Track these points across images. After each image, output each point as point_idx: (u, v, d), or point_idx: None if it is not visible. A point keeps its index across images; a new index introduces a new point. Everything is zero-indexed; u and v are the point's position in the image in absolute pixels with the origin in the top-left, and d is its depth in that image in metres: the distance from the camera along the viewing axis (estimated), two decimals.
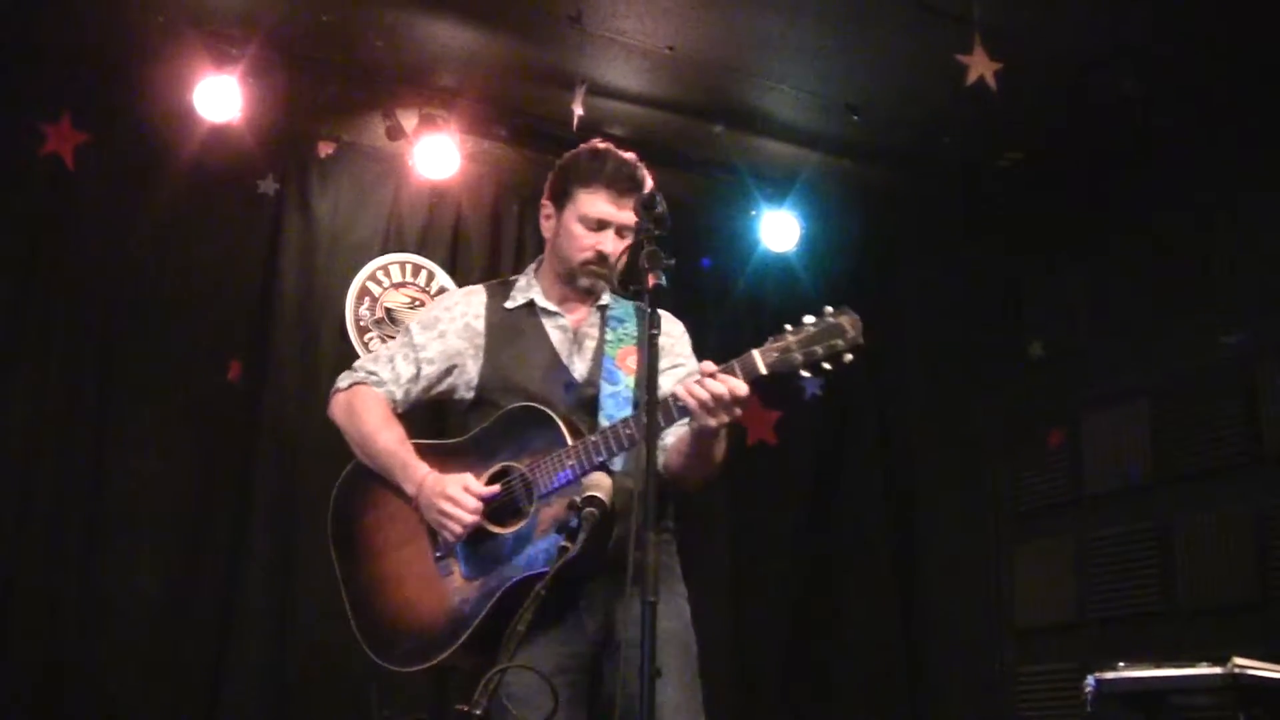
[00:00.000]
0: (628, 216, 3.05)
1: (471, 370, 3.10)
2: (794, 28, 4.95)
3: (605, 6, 4.83)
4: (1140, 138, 5.42)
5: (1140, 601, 5.27)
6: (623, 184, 3.07)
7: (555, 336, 3.10)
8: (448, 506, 2.88)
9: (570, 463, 2.80)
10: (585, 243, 3.06)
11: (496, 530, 2.90)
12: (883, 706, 6.11)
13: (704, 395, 2.65)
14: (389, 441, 3.04)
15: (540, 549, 2.80)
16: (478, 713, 2.22)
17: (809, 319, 2.68)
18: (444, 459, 3.01)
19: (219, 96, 5.03)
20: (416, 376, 3.12)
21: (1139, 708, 3.77)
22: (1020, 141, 5.69)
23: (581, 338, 3.11)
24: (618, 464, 2.84)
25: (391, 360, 3.15)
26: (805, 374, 2.68)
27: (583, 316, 3.14)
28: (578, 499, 2.60)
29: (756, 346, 2.69)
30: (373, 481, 3.09)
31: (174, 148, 5.21)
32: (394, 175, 5.69)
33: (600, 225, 3.06)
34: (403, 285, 5.64)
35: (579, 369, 3.05)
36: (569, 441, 2.83)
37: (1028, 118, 5.40)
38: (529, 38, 5.11)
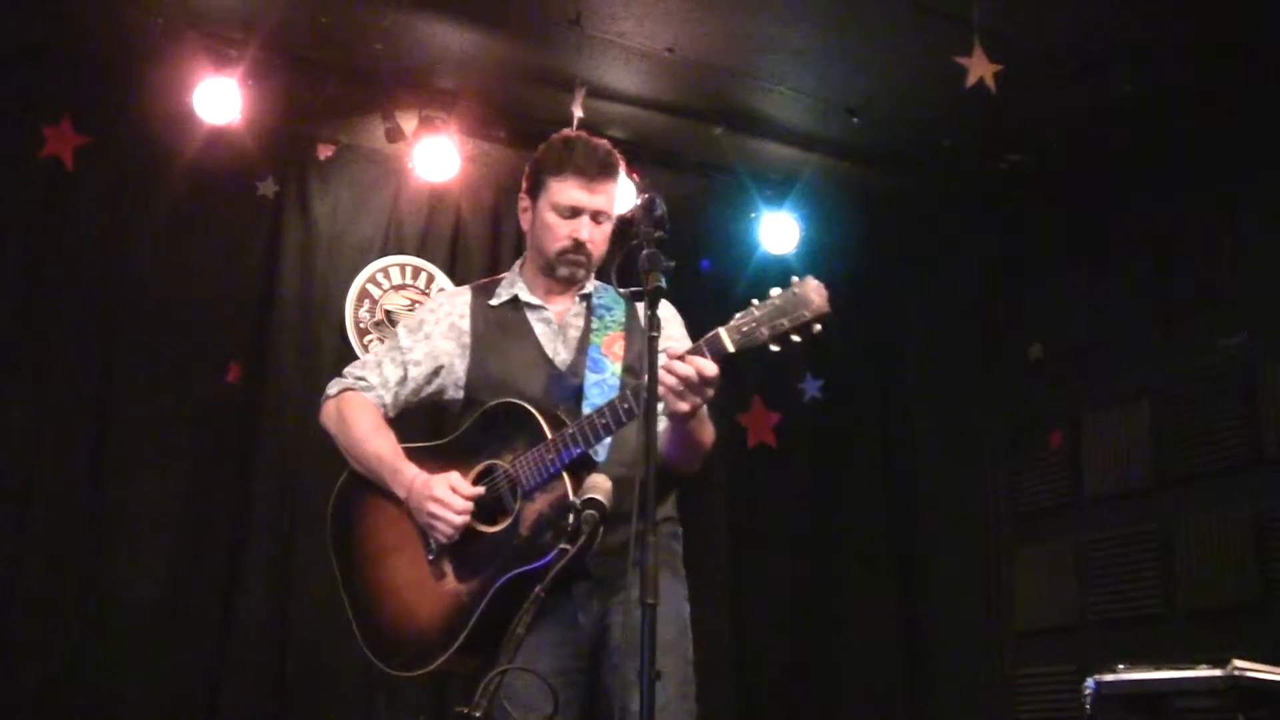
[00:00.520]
0: (601, 201, 3.06)
1: (459, 370, 3.11)
2: (793, 30, 4.95)
3: (605, 8, 4.83)
4: (1140, 138, 5.42)
5: (1140, 603, 5.26)
6: (593, 170, 3.06)
7: (539, 329, 3.10)
8: (436, 508, 2.88)
9: (550, 456, 2.80)
10: (560, 232, 3.07)
11: (485, 529, 2.91)
12: (883, 707, 6.11)
13: (671, 380, 2.64)
14: (379, 447, 3.05)
15: (528, 545, 2.80)
16: (477, 715, 2.22)
17: (775, 291, 2.66)
18: (432, 460, 3.02)
19: (218, 98, 5.03)
20: (404, 380, 3.13)
21: (1139, 710, 3.76)
22: (1020, 143, 5.69)
23: (566, 328, 3.11)
24: (601, 453, 2.84)
25: (379, 365, 3.16)
26: (774, 348, 2.63)
27: (566, 307, 3.14)
28: (578, 501, 2.59)
29: (722, 324, 2.67)
30: (366, 488, 3.10)
31: (173, 150, 5.21)
32: (393, 177, 5.69)
33: (574, 212, 3.06)
34: (402, 287, 5.64)
35: (564, 360, 3.05)
36: (548, 435, 2.83)
37: (1027, 119, 5.40)
38: (528, 40, 5.11)
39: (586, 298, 3.16)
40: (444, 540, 2.91)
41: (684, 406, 2.67)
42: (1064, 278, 5.92)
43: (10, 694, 4.62)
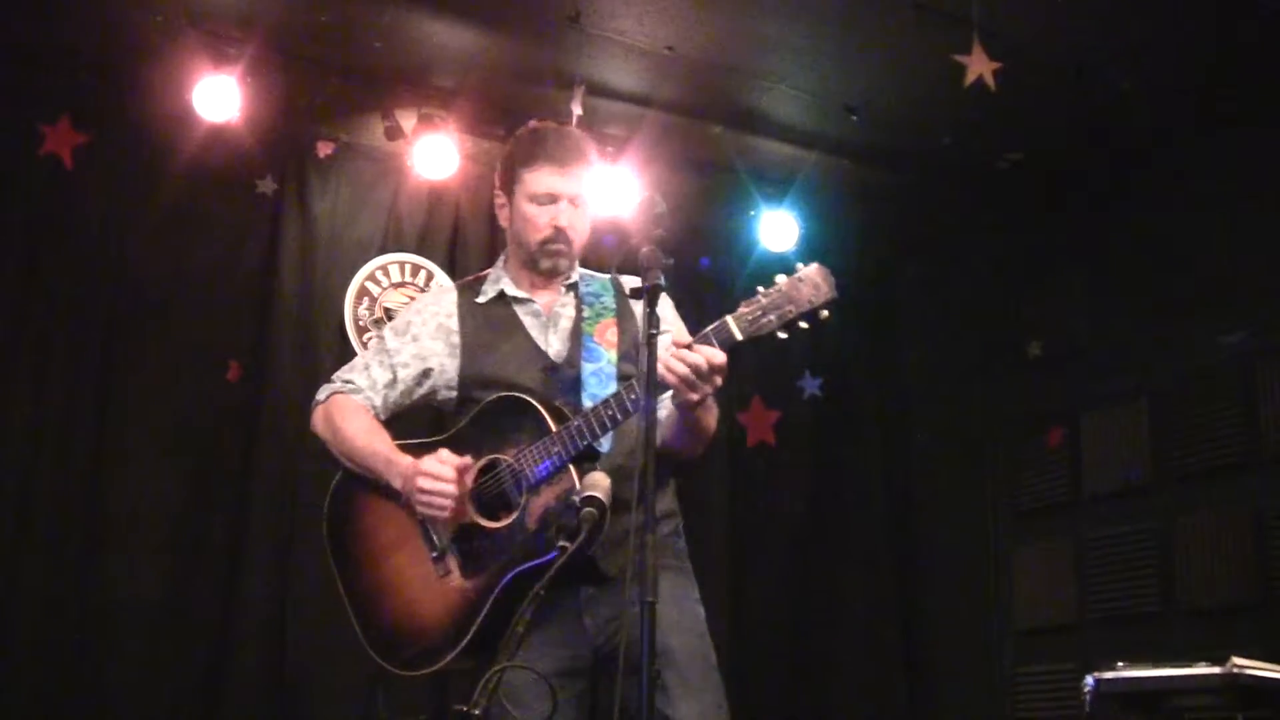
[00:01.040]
0: (576, 186, 3.04)
1: (450, 371, 3.07)
2: (793, 28, 4.95)
3: (604, 6, 4.83)
4: (1140, 138, 5.42)
5: (1139, 601, 5.27)
6: (565, 155, 3.05)
7: (529, 322, 3.07)
8: (427, 483, 2.82)
9: (556, 450, 2.77)
10: (540, 221, 3.04)
11: (489, 525, 2.87)
12: (883, 706, 6.11)
13: (681, 369, 2.62)
14: (371, 442, 3.00)
15: (534, 541, 2.78)
16: (476, 713, 2.22)
17: (781, 278, 2.66)
18: (428, 456, 2.96)
19: (218, 96, 5.03)
20: (393, 382, 3.10)
21: (1138, 708, 3.76)
22: (1020, 142, 5.69)
23: (556, 318, 3.07)
24: (605, 445, 2.82)
25: (367, 368, 3.13)
26: (782, 335, 2.63)
27: (554, 298, 3.11)
28: (577, 499, 2.59)
29: (730, 312, 2.67)
30: (361, 488, 3.06)
31: (173, 148, 5.21)
32: (393, 175, 5.69)
33: (550, 199, 3.04)
34: (402, 285, 5.64)
35: (556, 350, 3.01)
36: (552, 428, 2.80)
37: (1027, 118, 5.40)
38: (528, 38, 5.11)
39: (573, 286, 3.13)
40: (443, 516, 2.85)
41: (693, 396, 2.65)
42: (1063, 276, 5.93)
43: (10, 694, 4.62)
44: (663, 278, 2.53)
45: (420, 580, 2.94)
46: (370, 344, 3.23)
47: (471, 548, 2.88)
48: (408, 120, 5.50)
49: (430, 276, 5.70)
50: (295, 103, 5.40)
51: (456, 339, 3.09)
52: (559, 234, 3.03)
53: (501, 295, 3.12)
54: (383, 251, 5.63)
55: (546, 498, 2.79)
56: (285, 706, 5.00)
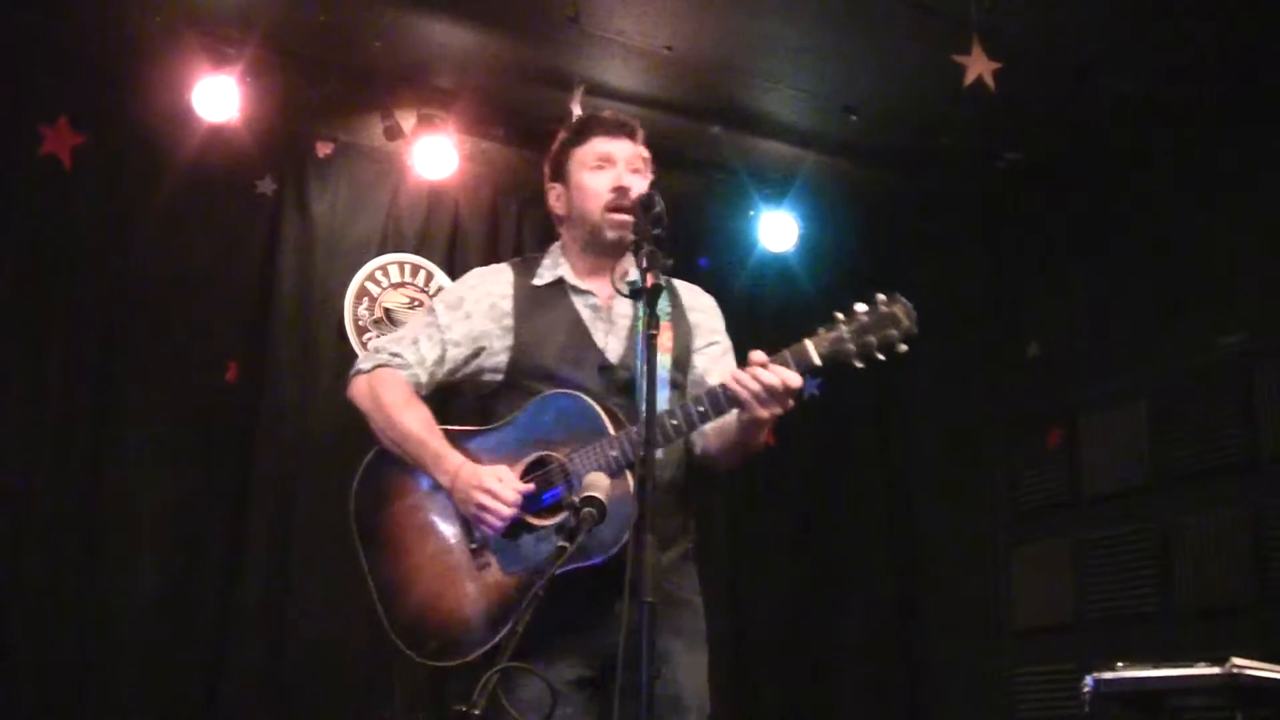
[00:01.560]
0: (631, 151, 2.99)
1: (499, 352, 2.97)
2: (792, 28, 4.95)
3: (603, 7, 4.83)
4: (1139, 138, 5.42)
5: (1138, 602, 5.27)
6: (614, 126, 3.02)
7: (586, 315, 2.98)
8: (486, 500, 2.75)
9: (614, 454, 2.70)
10: (600, 185, 2.96)
11: (536, 522, 2.80)
12: (883, 706, 6.11)
13: (755, 387, 2.59)
14: (417, 428, 2.91)
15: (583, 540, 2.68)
16: (476, 713, 2.22)
17: (861, 307, 2.62)
18: (475, 446, 2.90)
19: (217, 97, 5.03)
20: (441, 359, 2.99)
21: (1137, 708, 3.77)
22: (1018, 142, 5.70)
23: (614, 316, 2.99)
24: (659, 454, 2.74)
25: (415, 342, 3.01)
26: (859, 365, 2.61)
27: (611, 294, 3.00)
28: (576, 499, 2.58)
29: (809, 336, 2.63)
30: (396, 469, 2.96)
31: (172, 148, 5.21)
32: (392, 175, 5.69)
33: (607, 160, 2.98)
34: (401, 285, 5.64)
35: (613, 350, 2.94)
36: (610, 430, 2.73)
37: (1026, 118, 5.40)
38: (527, 38, 5.11)
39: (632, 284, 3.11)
40: (492, 533, 2.79)
41: (763, 414, 2.63)
42: (1062, 276, 5.93)
43: (10, 694, 4.61)
44: (663, 278, 2.54)
45: (455, 570, 2.85)
46: (418, 315, 3.10)
47: (515, 543, 2.80)
48: (407, 120, 5.50)
49: (430, 276, 5.70)
50: (294, 103, 5.40)
51: (510, 321, 2.98)
52: (622, 193, 2.91)
53: (560, 282, 3.02)
54: (382, 252, 5.63)
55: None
56: (285, 706, 5.00)
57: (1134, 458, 5.42)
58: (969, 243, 6.23)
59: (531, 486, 2.80)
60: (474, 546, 2.85)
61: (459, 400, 3.34)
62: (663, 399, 2.76)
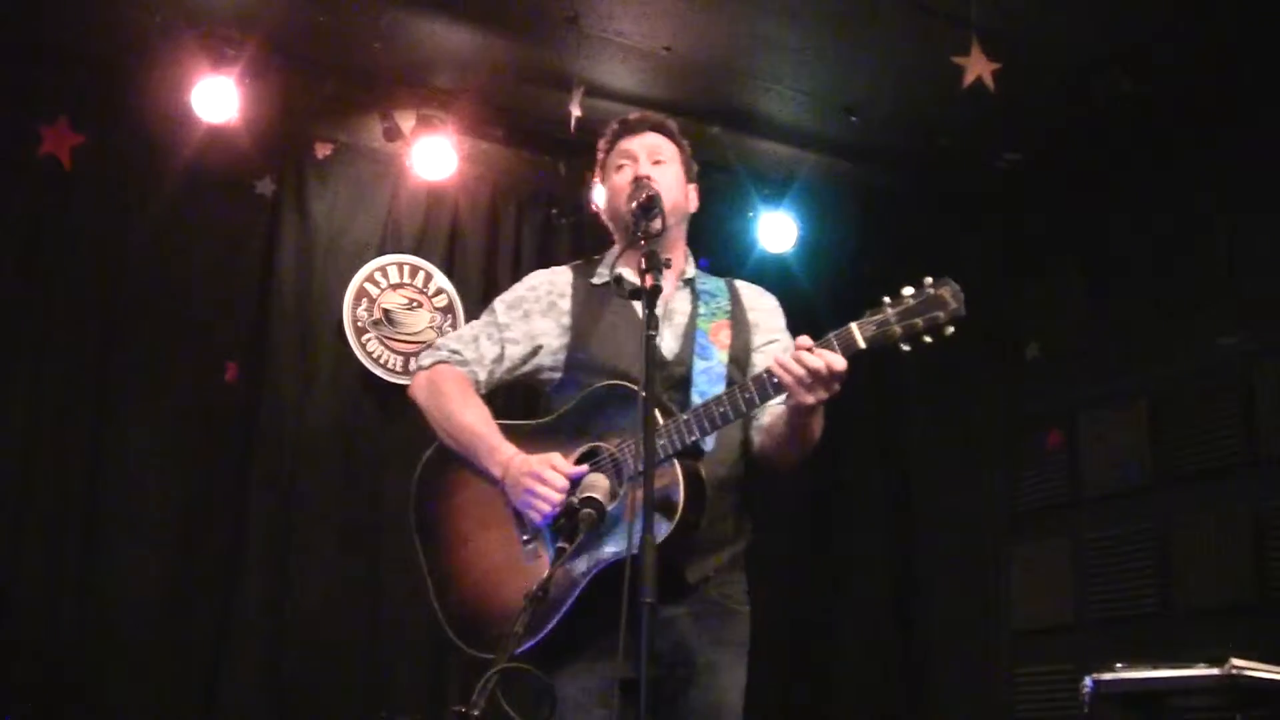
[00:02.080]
0: (653, 142, 3.04)
1: (557, 351, 3.01)
2: (791, 29, 4.95)
3: (602, 7, 4.83)
4: (1139, 138, 5.42)
5: (1138, 602, 5.26)
6: (637, 122, 3.07)
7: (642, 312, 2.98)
8: (536, 486, 2.76)
9: (662, 442, 2.68)
10: (623, 181, 3.00)
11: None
12: (882, 706, 6.11)
13: (799, 371, 2.57)
14: (473, 422, 2.93)
15: (632, 531, 2.65)
16: (475, 714, 2.21)
17: (908, 290, 2.62)
18: (529, 440, 2.91)
19: (216, 97, 5.03)
20: (500, 357, 3.02)
21: (1137, 709, 3.77)
22: (1018, 142, 5.69)
23: (670, 313, 3.00)
24: (709, 444, 2.77)
25: (475, 340, 3.05)
26: (905, 347, 2.59)
27: (670, 291, 3.02)
28: (575, 500, 2.58)
29: (856, 320, 2.62)
30: (456, 464, 2.98)
31: (171, 149, 5.21)
32: (391, 176, 5.69)
33: (629, 157, 3.03)
34: (400, 286, 5.64)
35: (669, 345, 2.94)
36: (660, 421, 2.71)
37: (1026, 119, 5.40)
38: (526, 39, 5.11)
39: (690, 282, 3.08)
40: (539, 520, 2.79)
41: (809, 399, 2.61)
42: (1062, 277, 5.92)
43: (10, 693, 4.61)
44: (661, 278, 2.53)
45: (507, 564, 2.86)
46: (482, 315, 3.13)
47: (563, 535, 2.75)
48: (406, 121, 5.50)
49: (429, 277, 5.69)
50: (294, 104, 5.40)
51: (568, 320, 3.02)
52: (638, 184, 2.92)
53: (619, 280, 2.98)
54: (381, 252, 5.63)
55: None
56: (284, 706, 5.00)
57: (1134, 458, 5.42)
58: (968, 243, 6.22)
59: (585, 469, 2.78)
60: (525, 539, 2.85)
61: (521, 397, 3.35)
62: (716, 392, 2.76)
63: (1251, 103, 5.08)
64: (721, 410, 2.69)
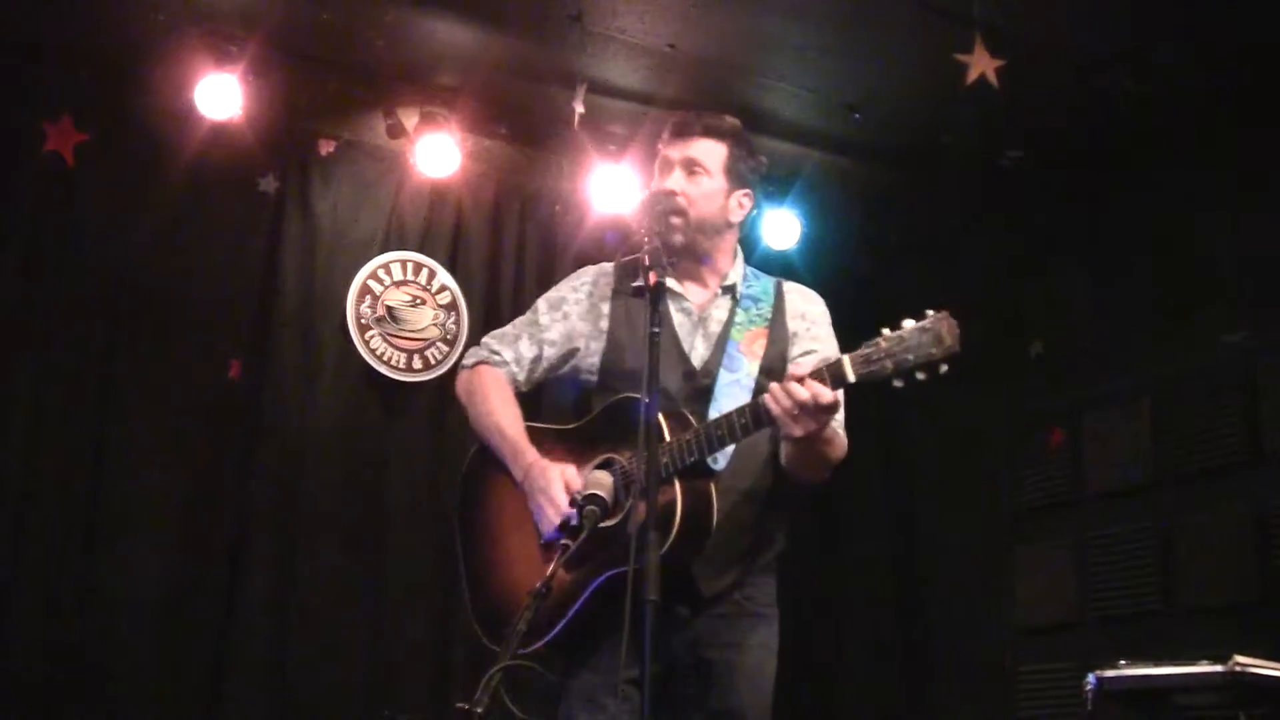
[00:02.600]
0: (689, 151, 2.99)
1: (593, 354, 3.02)
2: (795, 26, 4.95)
3: (606, 5, 4.83)
4: (1141, 137, 5.42)
5: (1141, 600, 5.26)
6: (678, 126, 3.03)
7: (678, 320, 2.98)
8: (543, 500, 2.80)
9: (664, 460, 2.68)
10: (655, 190, 2.99)
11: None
12: (885, 704, 6.11)
13: (788, 403, 2.56)
14: (503, 424, 2.97)
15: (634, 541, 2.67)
16: (479, 711, 2.22)
17: (907, 323, 2.59)
18: (554, 444, 2.94)
19: (219, 95, 5.04)
20: (539, 358, 3.05)
21: (1140, 706, 3.76)
22: (1021, 140, 5.69)
23: (706, 320, 3.00)
24: (720, 462, 2.77)
25: (516, 340, 3.08)
26: (897, 383, 2.58)
27: (709, 297, 3.03)
28: (578, 496, 2.59)
29: (849, 351, 2.61)
30: (493, 463, 3.01)
31: (174, 146, 5.21)
32: (395, 173, 5.69)
33: (666, 166, 3.01)
34: (404, 283, 5.64)
35: (700, 354, 2.95)
36: (667, 438, 2.73)
37: (1029, 116, 5.39)
38: (530, 36, 5.10)
39: (731, 289, 3.06)
40: (547, 534, 2.82)
41: (797, 431, 2.59)
42: (1065, 275, 5.92)
43: (10, 693, 4.62)
44: (666, 277, 2.53)
45: (528, 564, 2.88)
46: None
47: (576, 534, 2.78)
48: (409, 118, 5.51)
49: (432, 275, 5.70)
50: (297, 101, 5.41)
51: (605, 323, 3.03)
52: (661, 196, 2.92)
53: (659, 285, 3.03)
54: (384, 250, 5.63)
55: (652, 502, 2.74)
56: (287, 705, 5.00)
57: (1136, 456, 5.42)
58: (972, 241, 6.22)
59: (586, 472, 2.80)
60: (542, 542, 2.87)
61: (567, 398, 3.38)
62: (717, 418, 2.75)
63: (1252, 101, 5.07)
64: (719, 433, 2.69)
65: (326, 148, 5.62)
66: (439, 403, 5.46)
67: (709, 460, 2.73)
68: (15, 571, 4.72)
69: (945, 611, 6.14)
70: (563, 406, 3.36)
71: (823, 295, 3.18)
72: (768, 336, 2.98)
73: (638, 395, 2.77)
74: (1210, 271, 5.29)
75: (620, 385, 2.92)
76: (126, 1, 4.89)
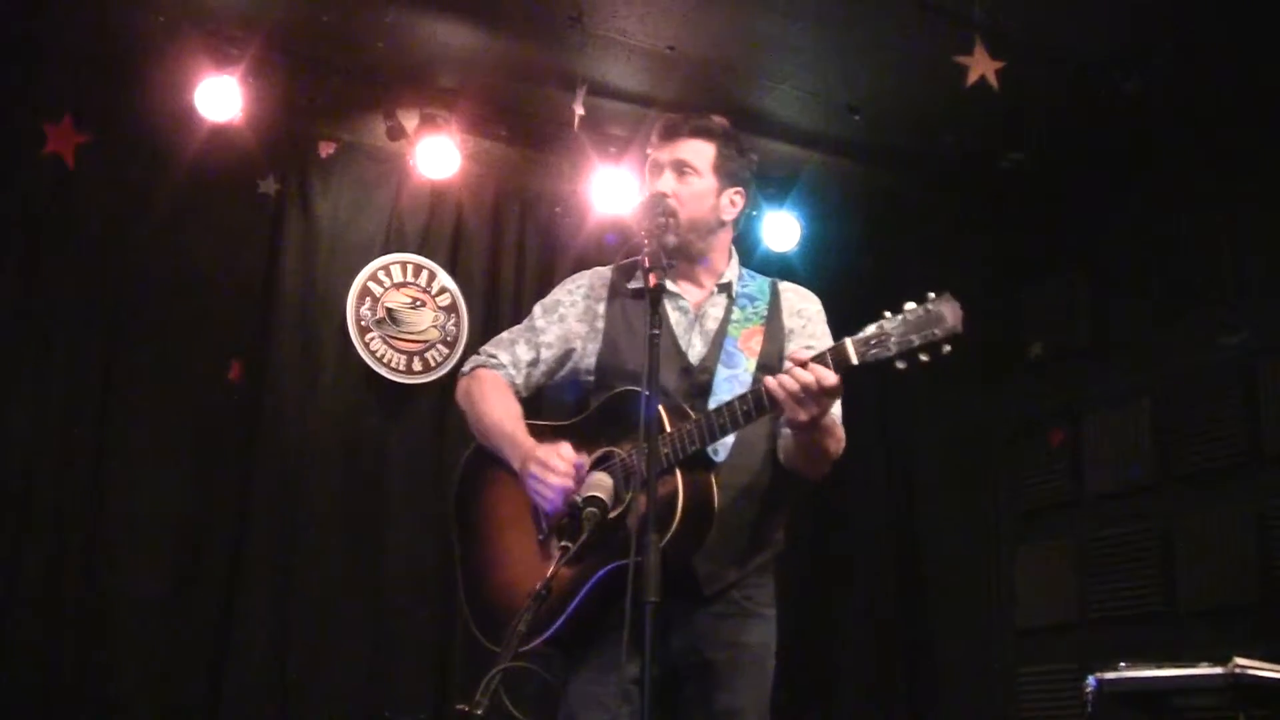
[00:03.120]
0: (677, 153, 3.00)
1: (590, 354, 3.03)
2: (794, 28, 4.95)
3: (606, 6, 4.83)
4: (1141, 138, 5.42)
5: (1141, 601, 5.27)
6: (666, 127, 3.04)
7: (674, 318, 2.99)
8: (538, 471, 2.79)
9: (665, 451, 2.68)
10: (648, 191, 3.01)
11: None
12: (883, 706, 6.11)
13: (793, 386, 2.55)
14: (500, 419, 2.96)
15: (633, 538, 2.62)
16: (478, 713, 2.22)
17: (909, 306, 2.56)
18: (553, 440, 2.92)
19: (220, 96, 5.04)
20: (535, 361, 3.06)
21: (1140, 708, 3.77)
22: (1021, 141, 5.69)
23: (703, 318, 3.00)
24: (721, 454, 2.78)
25: (513, 344, 3.09)
26: (900, 365, 2.54)
27: (704, 296, 3.04)
28: (578, 499, 2.59)
29: (851, 335, 2.58)
30: (490, 463, 3.01)
31: (175, 148, 5.21)
32: (395, 175, 5.69)
33: (656, 169, 3.01)
34: (404, 285, 5.64)
35: (697, 351, 2.96)
36: (667, 428, 2.72)
37: (1029, 118, 5.40)
38: (530, 38, 5.11)
39: (726, 287, 3.06)
40: (547, 507, 2.80)
41: (801, 415, 2.58)
42: (1065, 276, 5.93)
43: (11, 694, 4.62)
44: (667, 278, 2.53)
45: (525, 561, 2.88)
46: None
47: (576, 536, 2.76)
48: (409, 120, 5.51)
49: (432, 276, 5.70)
50: (297, 103, 5.41)
51: (601, 324, 3.04)
52: (654, 199, 2.92)
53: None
54: (384, 252, 5.64)
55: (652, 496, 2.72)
56: (286, 706, 5.01)
57: (1136, 457, 5.42)
58: (972, 242, 6.22)
59: (586, 459, 2.81)
60: (541, 538, 2.88)
61: (568, 400, 3.38)
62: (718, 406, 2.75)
63: (1252, 101, 5.07)
64: (721, 421, 2.69)
65: (327, 149, 5.62)
66: (439, 404, 5.47)
67: (709, 451, 2.74)
68: (16, 571, 4.72)
69: (946, 612, 6.15)
70: (564, 409, 3.36)
71: (823, 297, 3.18)
72: (764, 334, 2.99)
73: (634, 388, 2.79)
74: (1210, 272, 5.29)
75: (618, 384, 2.92)
76: (126, 3, 4.89)
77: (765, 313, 3.03)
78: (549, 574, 2.44)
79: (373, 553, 5.32)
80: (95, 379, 5.04)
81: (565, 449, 2.81)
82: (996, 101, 4.75)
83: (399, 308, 5.60)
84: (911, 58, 5.03)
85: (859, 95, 5.40)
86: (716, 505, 2.72)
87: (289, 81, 5.28)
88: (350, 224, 5.63)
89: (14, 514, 4.78)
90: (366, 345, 5.48)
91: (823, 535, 6.32)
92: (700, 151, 3.02)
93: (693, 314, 3.01)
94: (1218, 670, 3.50)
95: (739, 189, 3.08)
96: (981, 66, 4.66)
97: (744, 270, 3.13)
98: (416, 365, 5.54)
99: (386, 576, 5.30)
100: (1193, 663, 3.62)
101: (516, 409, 3.00)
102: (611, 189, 5.61)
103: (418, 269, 5.69)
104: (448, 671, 5.26)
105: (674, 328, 2.98)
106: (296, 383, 5.35)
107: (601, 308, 3.06)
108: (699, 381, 2.90)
